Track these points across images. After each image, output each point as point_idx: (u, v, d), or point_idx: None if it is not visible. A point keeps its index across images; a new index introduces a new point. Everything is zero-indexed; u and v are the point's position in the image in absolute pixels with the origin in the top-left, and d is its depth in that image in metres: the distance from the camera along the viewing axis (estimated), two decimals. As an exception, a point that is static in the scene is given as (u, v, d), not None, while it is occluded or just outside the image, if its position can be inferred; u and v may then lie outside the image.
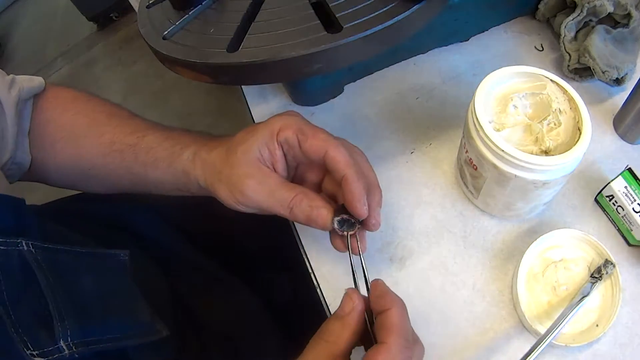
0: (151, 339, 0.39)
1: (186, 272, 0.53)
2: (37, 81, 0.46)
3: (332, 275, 0.46)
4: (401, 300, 0.31)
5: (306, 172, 0.41)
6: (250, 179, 0.37)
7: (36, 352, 0.29)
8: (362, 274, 0.35)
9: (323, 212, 0.36)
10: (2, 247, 0.31)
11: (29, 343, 0.29)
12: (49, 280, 0.32)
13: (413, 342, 0.31)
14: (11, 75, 0.45)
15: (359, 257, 0.36)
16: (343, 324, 0.31)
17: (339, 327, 0.31)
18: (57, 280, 0.33)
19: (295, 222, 0.49)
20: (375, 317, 0.31)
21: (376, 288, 0.32)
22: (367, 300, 0.32)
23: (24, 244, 0.32)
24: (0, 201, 0.33)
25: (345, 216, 0.36)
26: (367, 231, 0.38)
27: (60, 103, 0.47)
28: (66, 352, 0.31)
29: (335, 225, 0.36)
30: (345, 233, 0.37)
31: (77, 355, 0.31)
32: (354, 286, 0.34)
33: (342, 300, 0.32)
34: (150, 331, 0.39)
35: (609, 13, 0.51)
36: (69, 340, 0.31)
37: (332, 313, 0.35)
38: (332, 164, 0.36)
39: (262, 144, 0.38)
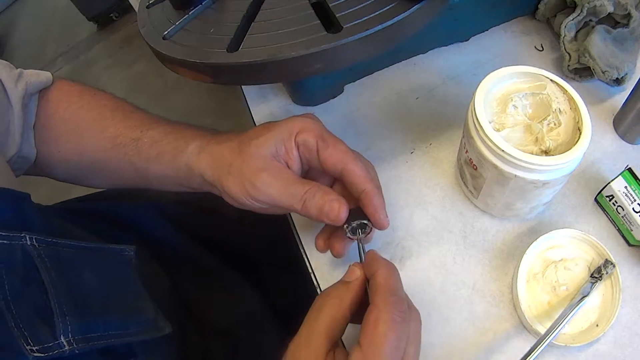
0: (154, 335, 0.39)
1: (187, 269, 0.53)
2: (44, 76, 0.46)
3: (332, 275, 0.46)
4: (389, 263, 0.32)
5: (316, 177, 0.41)
6: (264, 172, 0.37)
7: (36, 347, 0.29)
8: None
9: (335, 205, 0.36)
10: (5, 242, 0.30)
11: (29, 338, 0.29)
12: (52, 276, 0.32)
13: (408, 308, 0.31)
14: (19, 69, 0.44)
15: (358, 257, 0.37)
16: (347, 287, 0.32)
17: (344, 290, 0.32)
18: (59, 276, 0.33)
19: (295, 223, 0.49)
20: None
21: (368, 256, 0.34)
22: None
23: (27, 238, 0.32)
24: (4, 195, 0.33)
25: (357, 222, 0.38)
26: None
27: (64, 96, 0.47)
28: (66, 348, 0.31)
29: (348, 233, 0.38)
30: (356, 238, 0.38)
31: (77, 351, 0.31)
32: None
33: (347, 271, 0.33)
34: (154, 328, 0.39)
35: (609, 13, 0.51)
36: (70, 336, 0.31)
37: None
38: (352, 178, 0.37)
39: (279, 140, 0.38)
